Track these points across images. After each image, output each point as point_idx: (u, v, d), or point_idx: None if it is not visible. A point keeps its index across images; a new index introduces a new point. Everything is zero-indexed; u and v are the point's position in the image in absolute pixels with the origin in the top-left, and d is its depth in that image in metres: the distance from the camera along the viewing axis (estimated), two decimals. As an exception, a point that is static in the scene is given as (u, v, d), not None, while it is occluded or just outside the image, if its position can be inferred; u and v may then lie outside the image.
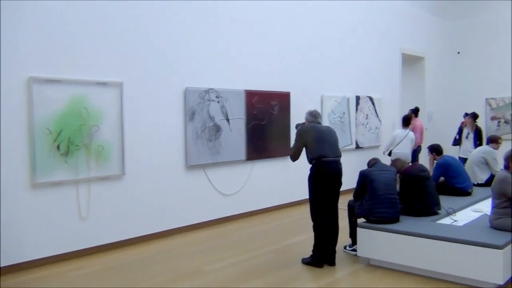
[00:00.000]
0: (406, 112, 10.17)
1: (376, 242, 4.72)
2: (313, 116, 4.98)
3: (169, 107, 6.11)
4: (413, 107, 10.05)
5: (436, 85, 12.36)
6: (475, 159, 7.08)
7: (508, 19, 11.92)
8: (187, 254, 5.35)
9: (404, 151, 8.38)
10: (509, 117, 11.98)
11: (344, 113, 9.03)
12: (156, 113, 5.97)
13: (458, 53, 12.84)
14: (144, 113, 5.84)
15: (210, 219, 6.66)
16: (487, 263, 3.98)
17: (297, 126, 5.02)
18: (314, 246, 4.85)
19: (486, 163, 6.99)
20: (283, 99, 7.71)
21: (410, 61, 11.65)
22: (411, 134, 8.64)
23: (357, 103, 9.40)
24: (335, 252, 4.88)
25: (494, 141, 7.22)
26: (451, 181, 6.29)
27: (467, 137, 9.23)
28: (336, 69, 8.90)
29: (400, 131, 8.72)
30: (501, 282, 3.94)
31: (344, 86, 9.13)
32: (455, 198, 6.01)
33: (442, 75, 12.68)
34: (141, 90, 5.81)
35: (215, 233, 6.29)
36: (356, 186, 5.04)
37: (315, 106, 7.64)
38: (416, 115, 9.77)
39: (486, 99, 12.31)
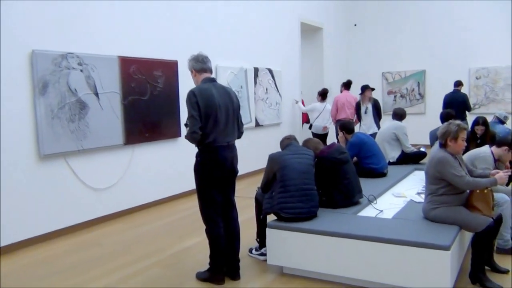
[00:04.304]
0: (308, 86, 9.67)
1: (289, 245, 3.69)
2: (201, 61, 3.61)
3: (6, 77, 4.44)
4: (345, 80, 9.10)
5: (334, 58, 11.81)
6: (386, 136, 6.41)
7: (403, -10, 11.71)
8: (37, 278, 3.86)
9: (323, 123, 8.83)
10: (404, 91, 11.85)
11: (241, 87, 7.91)
12: (-14, 84, 4.29)
13: (355, 25, 12.41)
14: (-34, 84, 4.13)
15: (76, 222, 5.16)
16: (430, 268, 3.14)
17: None
18: (211, 256, 3.68)
19: (397, 140, 6.37)
20: (170, 69, 6.35)
21: (309, 32, 10.90)
22: (329, 106, 8.90)
23: (256, 76, 8.34)
24: (238, 261, 3.76)
25: (402, 115, 6.62)
26: (365, 161, 5.52)
27: (365, 112, 8.53)
28: (231, 37, 7.72)
29: (318, 104, 9.03)
30: (448, 292, 3.12)
31: (241, 56, 7.99)
32: (370, 180, 5.28)
33: (339, 48, 12.17)
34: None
35: (82, 242, 4.82)
36: (264, 174, 3.95)
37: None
38: (348, 88, 8.85)
39: (383, 73, 12.06)
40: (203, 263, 3.89)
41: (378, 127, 8.10)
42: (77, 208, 5.18)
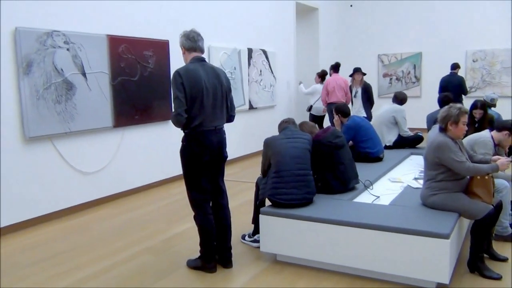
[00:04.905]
0: (303, 68, 9.47)
1: (283, 232, 3.57)
2: (192, 39, 3.40)
3: (-12, 55, 4.25)
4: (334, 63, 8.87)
5: (329, 40, 11.60)
6: (384, 119, 6.27)
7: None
8: (24, 264, 3.73)
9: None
10: (400, 74, 11.69)
11: (235, 68, 7.72)
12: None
13: (351, 6, 12.17)
14: None
15: (64, 207, 5.02)
16: (429, 257, 3.04)
17: None
18: (201, 243, 3.55)
19: (395, 123, 6.24)
20: (161, 49, 6.14)
21: (304, 13, 10.67)
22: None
23: (250, 57, 8.14)
24: (230, 248, 3.64)
25: (402, 99, 6.47)
26: (360, 145, 5.40)
27: (355, 96, 8.32)
28: (225, 16, 7.50)
29: (318, 86, 8.87)
30: (447, 282, 3.02)
31: (234, 37, 7.79)
32: (366, 165, 5.18)
33: (335, 29, 11.95)
34: None
35: (70, 227, 4.69)
36: (262, 159, 3.82)
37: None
38: (336, 71, 8.53)
39: (379, 55, 11.88)
40: (195, 249, 3.78)
41: (368, 114, 7.94)
42: (65, 192, 5.03)
